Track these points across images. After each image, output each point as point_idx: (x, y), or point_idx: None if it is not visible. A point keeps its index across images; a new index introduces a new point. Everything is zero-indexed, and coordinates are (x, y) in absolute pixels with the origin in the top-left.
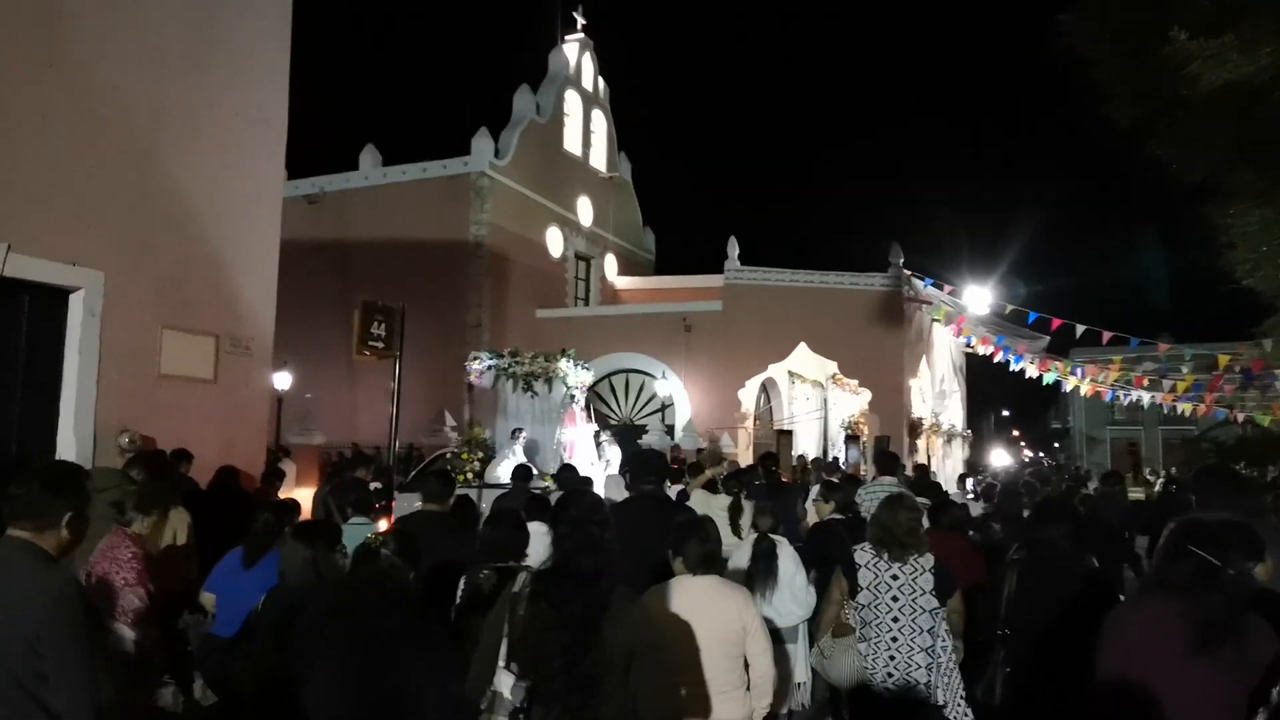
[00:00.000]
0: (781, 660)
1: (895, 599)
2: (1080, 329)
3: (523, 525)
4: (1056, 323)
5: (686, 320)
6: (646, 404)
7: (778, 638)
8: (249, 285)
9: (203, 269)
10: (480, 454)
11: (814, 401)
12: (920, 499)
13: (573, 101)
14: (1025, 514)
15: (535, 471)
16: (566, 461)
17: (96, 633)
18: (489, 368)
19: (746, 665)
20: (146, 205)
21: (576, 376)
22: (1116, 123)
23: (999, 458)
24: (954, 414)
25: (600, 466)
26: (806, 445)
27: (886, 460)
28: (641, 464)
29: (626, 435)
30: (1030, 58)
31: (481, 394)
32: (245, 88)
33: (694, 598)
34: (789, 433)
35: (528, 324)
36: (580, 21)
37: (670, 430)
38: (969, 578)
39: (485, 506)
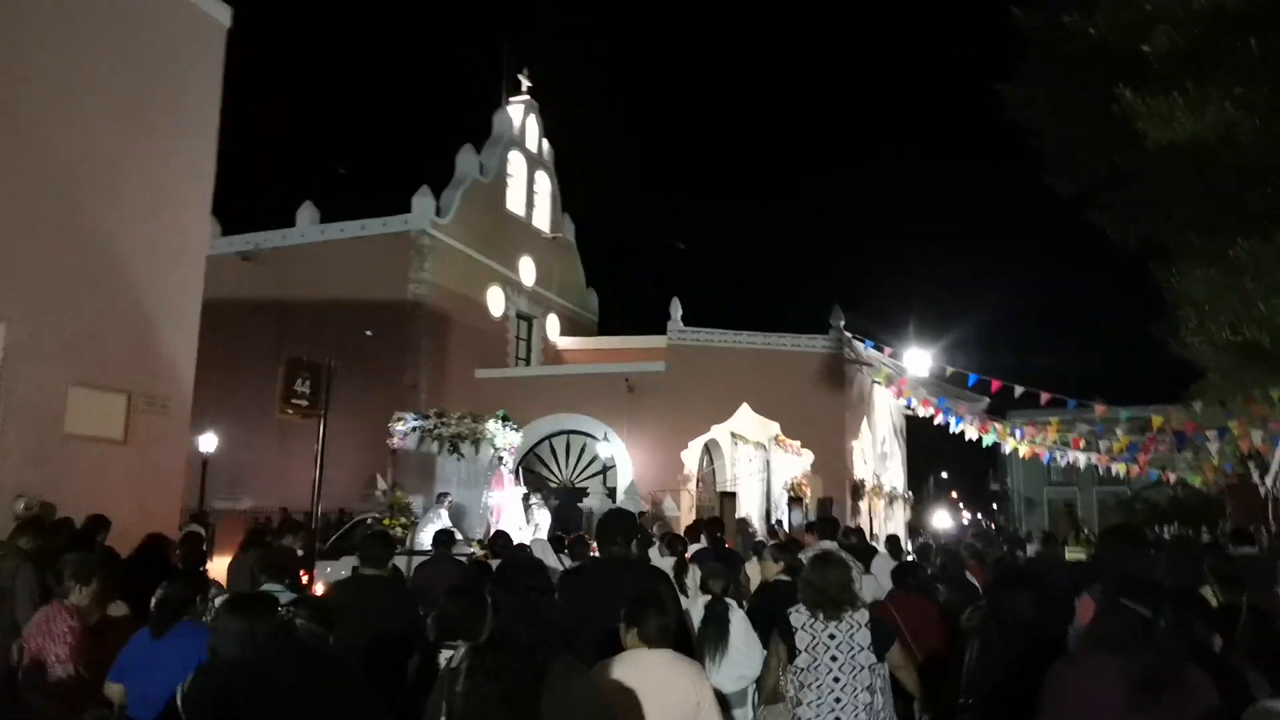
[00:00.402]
0: None
1: (834, 658)
2: (1019, 390)
3: (483, 601)
4: (996, 384)
5: (629, 380)
6: (588, 466)
7: (725, 703)
8: (169, 340)
9: (120, 323)
10: (404, 519)
11: (757, 463)
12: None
13: (516, 162)
14: (968, 576)
15: (460, 537)
16: (498, 528)
17: None
18: (414, 429)
19: None
20: (64, 254)
21: (505, 438)
22: (1056, 191)
23: (941, 519)
24: (895, 476)
25: (529, 531)
26: (749, 507)
27: (825, 525)
28: (609, 525)
29: (567, 498)
30: (973, 123)
31: (407, 457)
32: (174, 136)
33: (647, 672)
34: (733, 495)
35: (468, 384)
36: (525, 84)
37: (612, 493)
38: (936, 643)
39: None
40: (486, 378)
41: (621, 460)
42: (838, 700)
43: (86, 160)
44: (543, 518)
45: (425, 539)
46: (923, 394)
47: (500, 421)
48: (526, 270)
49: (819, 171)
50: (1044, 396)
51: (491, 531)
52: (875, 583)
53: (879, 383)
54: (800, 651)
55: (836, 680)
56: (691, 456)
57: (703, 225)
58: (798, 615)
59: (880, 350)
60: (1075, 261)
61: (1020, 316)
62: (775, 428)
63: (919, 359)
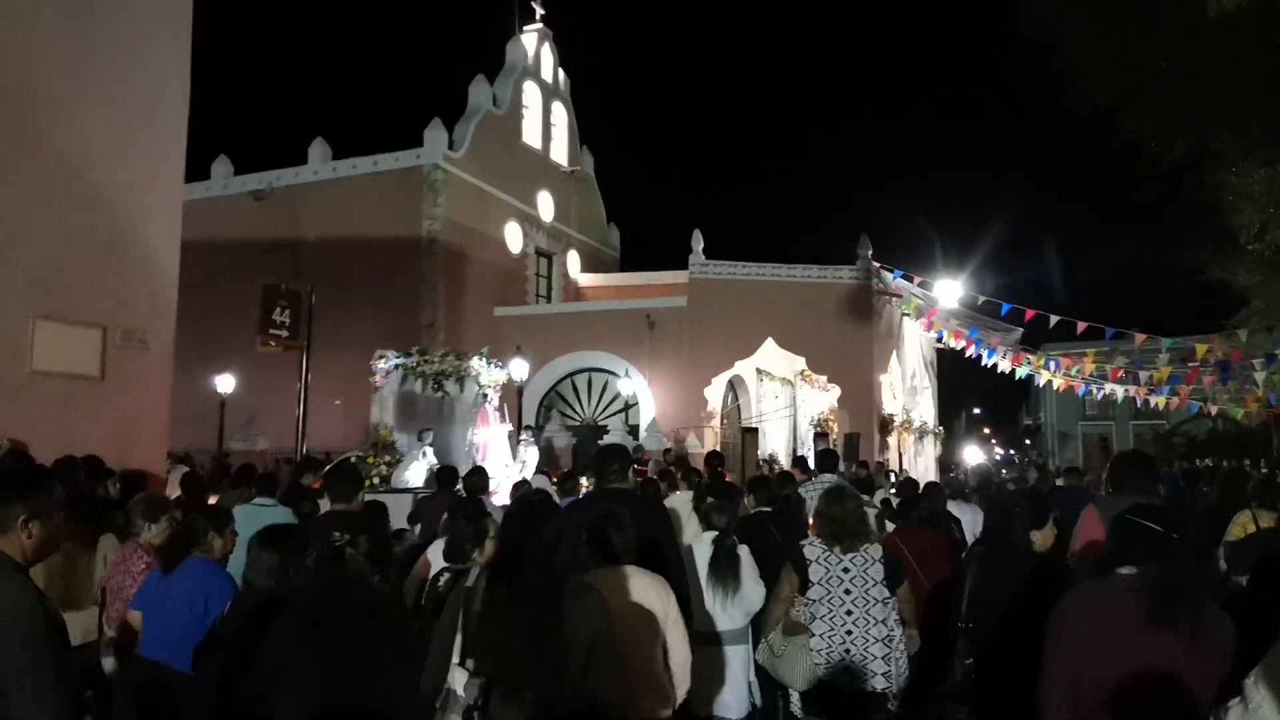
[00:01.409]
0: (720, 662)
1: (848, 591)
2: (1054, 320)
3: (480, 517)
4: (1030, 314)
5: (650, 317)
6: (610, 404)
7: (722, 640)
8: (147, 272)
9: (89, 253)
10: (387, 457)
11: (783, 399)
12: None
13: (531, 93)
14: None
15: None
16: (478, 464)
17: (64, 646)
18: (396, 367)
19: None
20: (19, 177)
21: (489, 375)
22: (1092, 100)
23: (972, 455)
24: (925, 410)
25: (515, 468)
26: (775, 444)
27: (825, 458)
28: (604, 458)
29: (586, 435)
30: (997, 39)
31: (391, 394)
32: (141, 46)
33: (616, 588)
34: (755, 431)
35: (487, 322)
36: (539, 11)
37: (634, 430)
38: (945, 572)
39: (395, 513)
40: (505, 315)
41: (644, 397)
42: (849, 632)
43: (43, 72)
44: (530, 455)
45: (410, 476)
46: (954, 325)
47: (484, 359)
48: (545, 205)
49: (843, 99)
50: (1080, 326)
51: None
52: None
53: (908, 315)
54: (814, 584)
55: (849, 613)
56: (715, 393)
57: (727, 157)
58: (812, 548)
59: (909, 281)
60: (1112, 187)
61: (1053, 244)
62: (801, 362)
63: (949, 289)
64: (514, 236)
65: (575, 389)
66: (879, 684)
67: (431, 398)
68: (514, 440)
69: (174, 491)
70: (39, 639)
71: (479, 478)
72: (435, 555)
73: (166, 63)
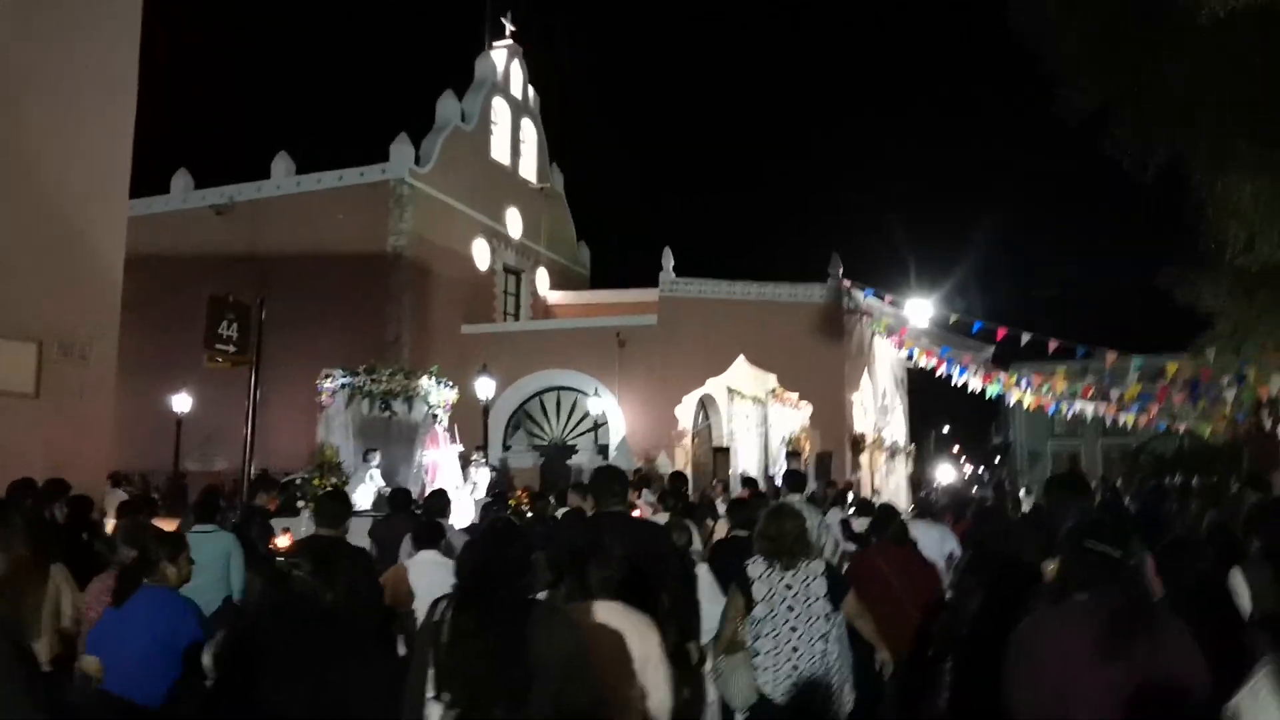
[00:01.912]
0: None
1: (791, 608)
2: (1026, 338)
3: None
4: (1001, 332)
5: (620, 335)
6: (579, 423)
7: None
8: (87, 282)
9: (24, 261)
10: (333, 479)
11: (754, 418)
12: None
13: (500, 109)
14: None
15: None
16: (434, 487)
17: (24, 680)
18: (343, 386)
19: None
20: None
21: (439, 395)
22: (1071, 110)
23: (944, 473)
24: (897, 429)
25: (466, 490)
26: (747, 463)
27: (792, 479)
28: (603, 480)
29: (554, 454)
30: (972, 50)
31: (337, 414)
32: (86, 47)
33: (592, 622)
34: (726, 450)
35: (453, 339)
36: (509, 28)
37: (604, 450)
38: (922, 592)
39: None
40: (473, 333)
41: (614, 416)
42: (795, 649)
43: None
44: (481, 476)
45: (356, 499)
46: (925, 344)
47: (433, 378)
48: (514, 222)
49: (813, 116)
50: (1051, 345)
51: (426, 491)
52: (831, 532)
53: (879, 333)
54: (757, 602)
55: (794, 630)
56: (686, 412)
57: (698, 175)
58: (754, 566)
59: (881, 299)
60: (1083, 201)
61: (1025, 262)
62: (772, 380)
63: (920, 308)
64: (481, 253)
65: (544, 408)
66: (826, 702)
67: (379, 418)
68: (464, 461)
69: (112, 516)
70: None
71: (438, 500)
72: (418, 579)
73: (113, 65)
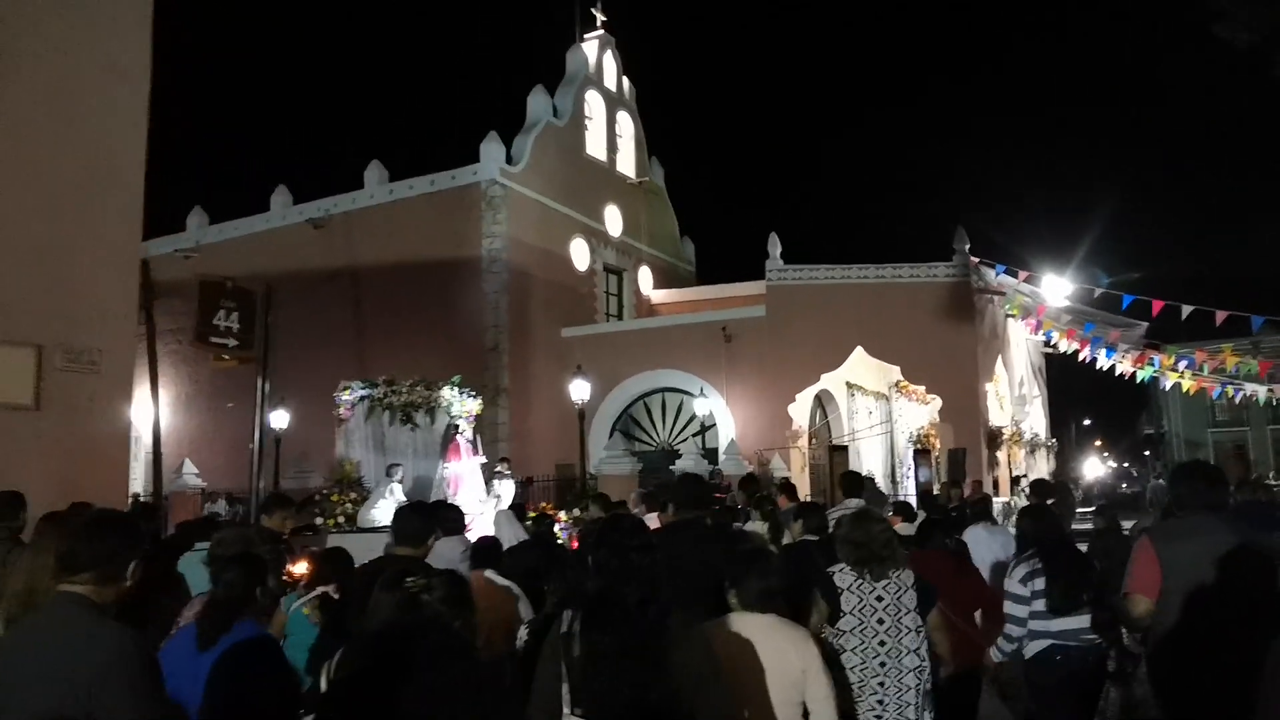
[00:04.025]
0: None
1: (881, 621)
2: (1187, 310)
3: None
4: (1158, 305)
5: (726, 330)
6: (686, 425)
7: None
8: (96, 282)
9: (22, 258)
10: (353, 495)
11: (878, 415)
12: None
13: (595, 103)
14: None
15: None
16: (452, 501)
17: (159, 691)
18: (362, 399)
19: (806, 713)
20: None
21: (461, 405)
22: (1232, 45)
23: (1091, 468)
24: (1036, 421)
25: (491, 503)
26: (871, 463)
27: (850, 481)
28: (682, 491)
29: (659, 461)
30: None
31: (358, 428)
32: (88, 23)
33: (749, 636)
34: (844, 449)
35: (554, 344)
36: (600, 18)
37: (711, 454)
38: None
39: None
40: (573, 336)
41: (722, 417)
42: (882, 664)
43: None
44: (506, 489)
45: (377, 515)
46: (1066, 323)
47: (455, 388)
48: (613, 219)
49: (927, 81)
50: (1219, 316)
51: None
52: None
53: (1013, 315)
54: (845, 614)
55: (882, 644)
56: (800, 410)
57: (805, 157)
58: (843, 575)
59: (1014, 276)
60: (1252, 148)
61: (1174, 232)
62: (896, 372)
63: (1058, 285)
64: (580, 253)
65: (649, 412)
66: (911, 715)
67: (401, 430)
68: (488, 473)
69: None
70: (136, 685)
71: (452, 513)
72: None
73: (123, 41)
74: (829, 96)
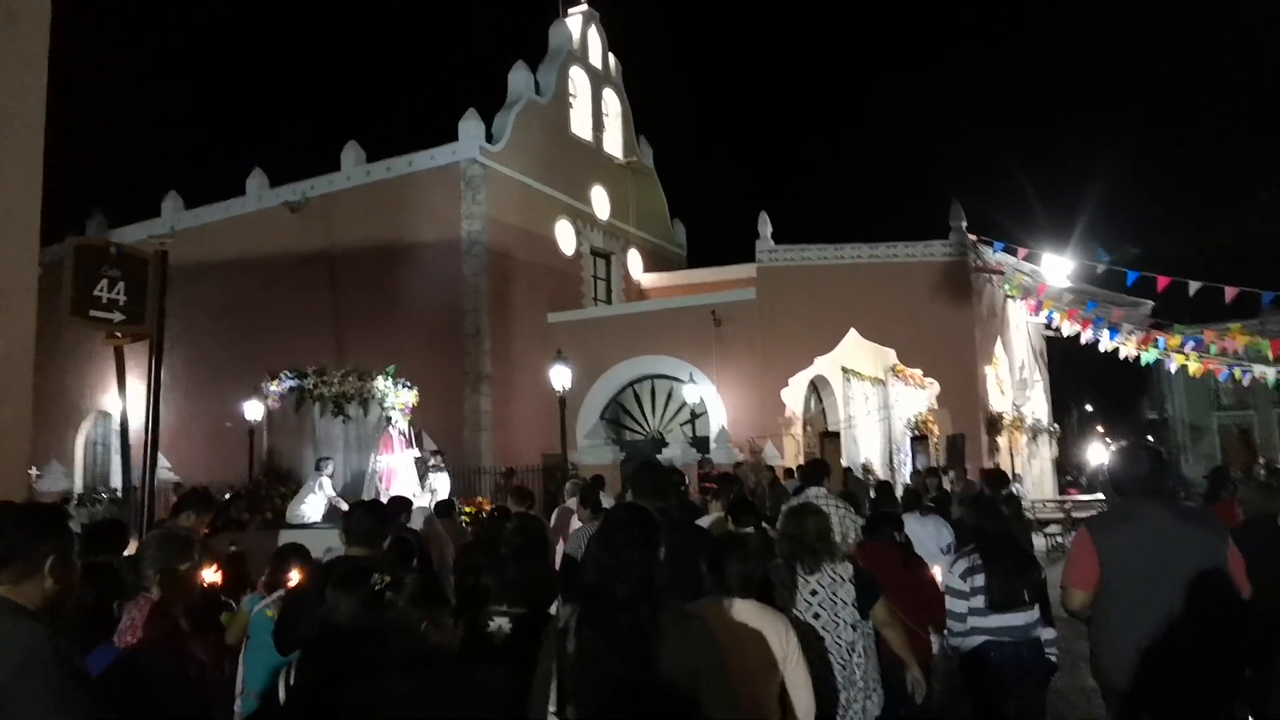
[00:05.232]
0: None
1: (816, 615)
2: (1194, 287)
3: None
4: (1164, 281)
5: (716, 313)
6: (676, 413)
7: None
8: None
9: None
10: (282, 489)
11: (874, 400)
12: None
13: (579, 80)
14: None
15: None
16: (391, 494)
17: (83, 696)
18: (290, 389)
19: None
20: None
21: (396, 396)
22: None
23: (1096, 454)
24: (1038, 406)
25: (425, 496)
26: (869, 450)
27: (811, 469)
28: (643, 481)
29: (638, 451)
30: None
31: (287, 418)
32: None
33: (729, 620)
34: (835, 435)
35: (538, 329)
36: None
37: (701, 442)
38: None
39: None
40: (559, 321)
41: (713, 404)
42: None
43: None
44: (441, 481)
45: (306, 510)
46: (1068, 303)
47: (389, 378)
48: (600, 201)
49: (920, 56)
50: (1230, 292)
51: (383, 499)
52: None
53: (1012, 296)
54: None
55: (819, 638)
56: (794, 395)
57: (796, 132)
58: (776, 570)
59: (1013, 254)
60: (1268, 111)
61: (1179, 206)
62: (891, 356)
63: (1059, 263)
64: (566, 236)
65: (638, 399)
66: (853, 715)
67: (333, 423)
68: (423, 466)
69: None
70: (50, 689)
71: (404, 505)
72: None
73: None
74: (821, 74)
